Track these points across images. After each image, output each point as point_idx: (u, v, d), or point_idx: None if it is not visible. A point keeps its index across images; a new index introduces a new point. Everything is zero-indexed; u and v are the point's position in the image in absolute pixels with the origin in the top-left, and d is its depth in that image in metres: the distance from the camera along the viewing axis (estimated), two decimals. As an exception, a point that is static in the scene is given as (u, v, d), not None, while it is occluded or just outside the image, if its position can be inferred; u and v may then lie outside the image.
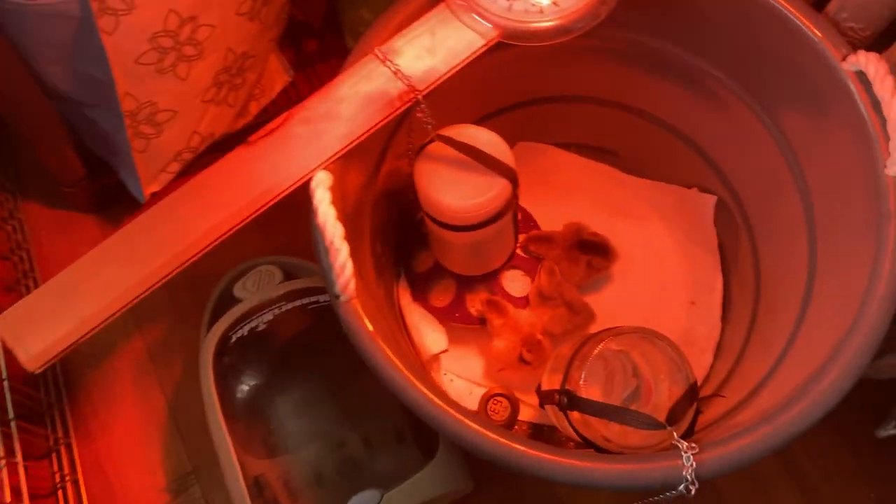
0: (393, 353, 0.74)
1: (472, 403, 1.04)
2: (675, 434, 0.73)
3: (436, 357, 1.14)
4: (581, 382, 0.85)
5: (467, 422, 0.72)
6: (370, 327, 0.78)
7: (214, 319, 0.98)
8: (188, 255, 0.73)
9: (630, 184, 1.22)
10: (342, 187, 0.81)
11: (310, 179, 0.77)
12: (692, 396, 0.84)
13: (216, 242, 0.78)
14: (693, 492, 0.67)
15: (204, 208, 0.75)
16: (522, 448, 0.67)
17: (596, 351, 0.86)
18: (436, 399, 0.69)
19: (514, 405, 1.03)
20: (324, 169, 0.79)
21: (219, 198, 0.75)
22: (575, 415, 0.81)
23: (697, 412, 0.84)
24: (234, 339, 1.04)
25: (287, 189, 0.76)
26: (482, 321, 1.05)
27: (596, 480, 0.65)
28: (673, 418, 0.74)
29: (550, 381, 0.97)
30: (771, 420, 0.67)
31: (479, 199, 0.93)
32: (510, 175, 0.94)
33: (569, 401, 0.80)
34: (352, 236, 0.75)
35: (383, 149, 1.01)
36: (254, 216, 0.80)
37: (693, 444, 0.66)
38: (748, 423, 0.69)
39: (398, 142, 0.96)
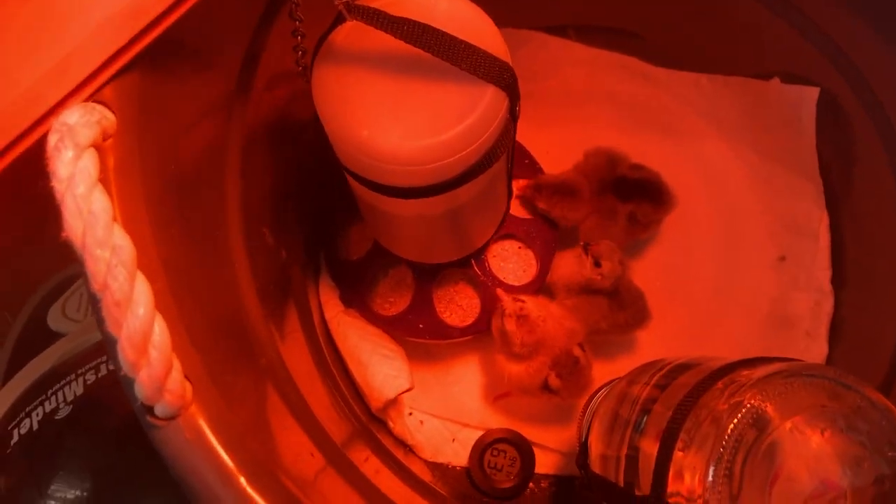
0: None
1: (457, 455, 0.74)
2: None
3: (395, 399, 0.68)
4: (713, 470, 0.41)
5: None
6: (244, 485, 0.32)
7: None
8: None
9: (666, 81, 0.86)
10: (152, 132, 0.40)
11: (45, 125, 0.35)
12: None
13: None
14: None
15: None
16: None
17: (748, 407, 0.42)
18: None
19: (526, 454, 0.72)
20: (90, 99, 0.37)
21: None
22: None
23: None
24: (17, 436, 0.56)
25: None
26: (469, 330, 0.71)
27: None
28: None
29: (609, 446, 0.53)
30: None
31: (447, 135, 0.47)
32: (504, 78, 0.47)
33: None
34: (186, 232, 0.41)
35: (250, 45, 0.52)
36: None
37: None
38: None
39: (278, 29, 0.54)
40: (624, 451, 0.52)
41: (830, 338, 0.76)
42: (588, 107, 0.84)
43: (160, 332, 0.32)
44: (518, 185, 0.74)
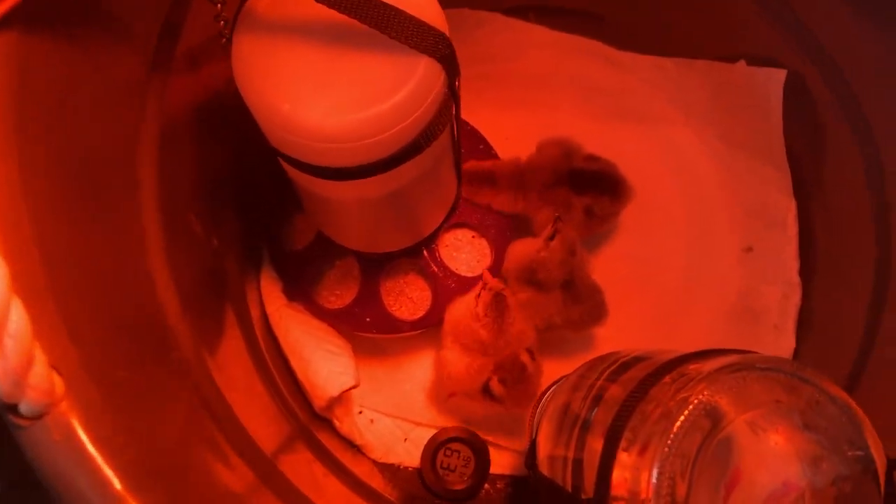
0: None
1: (409, 455, 0.71)
2: None
3: (340, 397, 0.65)
4: (658, 471, 0.38)
5: None
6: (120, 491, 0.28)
7: None
8: None
9: (630, 65, 0.82)
10: (37, 106, 0.36)
11: None
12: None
13: None
14: None
15: None
16: None
17: (695, 403, 0.39)
18: None
19: (481, 454, 0.69)
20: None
21: None
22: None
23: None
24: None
25: None
26: (420, 324, 0.68)
27: None
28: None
29: (556, 446, 0.50)
30: None
31: (376, 109, 0.43)
32: (440, 49, 0.43)
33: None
34: (85, 217, 0.38)
35: (168, 15, 0.48)
36: None
37: None
38: None
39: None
40: (572, 451, 0.49)
41: (799, 331, 0.73)
42: (549, 91, 0.80)
43: (18, 319, 0.28)
44: (468, 167, 0.70)
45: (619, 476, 0.41)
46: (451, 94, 0.48)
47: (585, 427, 0.48)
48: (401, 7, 0.43)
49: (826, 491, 0.40)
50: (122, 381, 0.35)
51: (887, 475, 0.40)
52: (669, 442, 0.39)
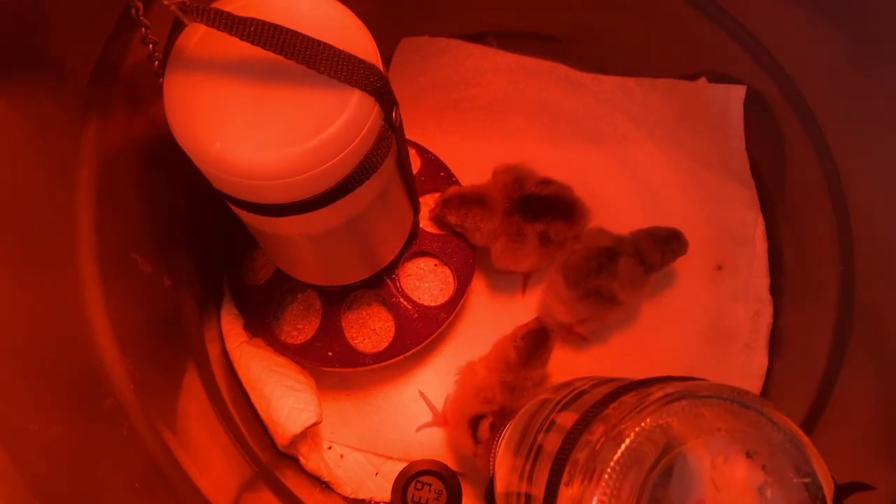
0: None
1: (381, 489, 0.69)
2: None
3: (304, 433, 0.64)
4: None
5: None
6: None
7: None
8: None
9: (592, 87, 0.82)
10: None
11: None
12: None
13: None
14: None
15: None
16: None
17: (634, 434, 0.37)
18: None
19: (453, 487, 0.66)
20: None
21: None
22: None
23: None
24: None
25: None
26: (383, 356, 0.68)
27: None
28: None
29: (510, 482, 0.48)
30: None
31: (307, 145, 0.42)
32: (371, 81, 0.43)
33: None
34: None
35: (102, 56, 0.48)
36: None
37: None
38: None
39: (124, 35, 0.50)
40: (524, 484, 0.47)
41: (770, 348, 0.72)
42: (512, 116, 0.80)
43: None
44: (435, 199, 0.69)
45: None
46: (389, 125, 0.48)
47: (537, 458, 0.47)
48: (330, 41, 0.43)
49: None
50: (35, 434, 0.34)
51: (836, 501, 0.38)
52: (608, 475, 0.38)
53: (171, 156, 0.56)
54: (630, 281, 0.66)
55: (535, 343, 0.62)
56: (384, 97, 0.45)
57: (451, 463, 0.68)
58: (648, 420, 0.39)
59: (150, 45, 0.46)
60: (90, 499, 0.35)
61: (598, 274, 0.65)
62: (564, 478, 0.40)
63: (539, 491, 0.43)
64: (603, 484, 0.37)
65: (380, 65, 0.46)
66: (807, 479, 0.38)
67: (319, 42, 0.42)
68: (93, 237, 0.47)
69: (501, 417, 0.61)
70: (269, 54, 0.42)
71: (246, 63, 0.45)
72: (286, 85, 0.44)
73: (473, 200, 0.65)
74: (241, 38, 0.41)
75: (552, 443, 0.46)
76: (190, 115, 0.44)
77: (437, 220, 0.68)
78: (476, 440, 0.61)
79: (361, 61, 0.44)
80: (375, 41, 0.47)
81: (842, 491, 0.39)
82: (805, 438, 0.39)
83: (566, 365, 0.72)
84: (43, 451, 0.34)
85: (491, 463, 0.58)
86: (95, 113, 0.48)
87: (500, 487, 0.52)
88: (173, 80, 0.45)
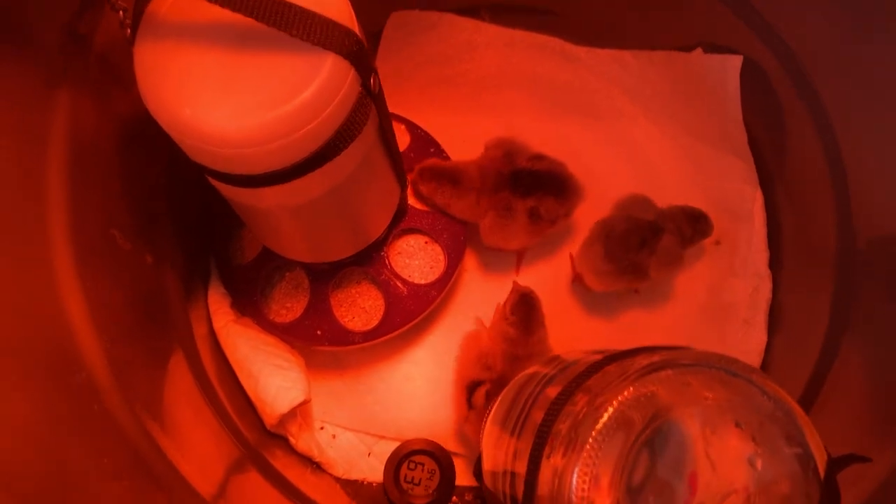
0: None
1: (373, 469, 0.68)
2: None
3: (292, 412, 0.62)
4: (578, 475, 0.36)
5: None
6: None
7: None
8: None
9: (587, 60, 0.80)
10: None
11: None
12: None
13: None
14: None
15: None
16: None
17: (617, 403, 0.36)
18: None
19: (446, 466, 0.66)
20: None
21: None
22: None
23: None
24: None
25: None
26: (373, 335, 0.65)
27: None
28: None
29: (496, 458, 0.47)
30: None
31: (280, 111, 0.41)
32: (346, 45, 0.41)
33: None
34: None
35: (70, 24, 0.46)
36: None
37: None
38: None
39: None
40: (510, 463, 0.46)
41: (769, 324, 0.70)
42: (505, 91, 0.78)
43: None
44: (416, 173, 0.68)
45: (543, 483, 0.39)
46: (368, 92, 0.46)
47: (522, 433, 0.46)
48: (304, 4, 0.42)
49: (770, 489, 0.38)
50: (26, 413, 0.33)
51: (828, 472, 0.37)
52: (589, 445, 0.36)
53: (154, 132, 0.55)
54: (668, 261, 0.65)
55: (525, 311, 0.61)
56: (361, 62, 0.44)
57: (444, 442, 0.67)
58: (631, 389, 0.38)
59: (121, 12, 0.45)
60: (55, 475, 0.34)
61: (640, 250, 0.64)
62: (546, 450, 0.39)
63: (523, 467, 0.42)
64: (584, 455, 0.36)
65: (356, 29, 0.44)
66: (798, 450, 0.37)
67: (291, 4, 0.41)
68: (64, 212, 0.46)
69: (498, 386, 0.60)
70: (243, 19, 0.41)
71: (218, 28, 0.43)
72: (259, 50, 0.43)
73: (444, 176, 0.64)
74: (213, 2, 0.40)
75: (538, 416, 0.45)
76: (160, 81, 0.43)
77: (423, 194, 0.67)
78: (470, 405, 0.60)
79: (335, 24, 0.42)
80: (365, 15, 0.45)
81: (837, 463, 0.37)
82: (796, 406, 0.37)
83: (566, 343, 0.70)
84: (6, 426, 0.33)
85: (480, 436, 0.57)
86: (67, 85, 0.47)
87: (486, 465, 0.51)
88: (144, 46, 0.44)
